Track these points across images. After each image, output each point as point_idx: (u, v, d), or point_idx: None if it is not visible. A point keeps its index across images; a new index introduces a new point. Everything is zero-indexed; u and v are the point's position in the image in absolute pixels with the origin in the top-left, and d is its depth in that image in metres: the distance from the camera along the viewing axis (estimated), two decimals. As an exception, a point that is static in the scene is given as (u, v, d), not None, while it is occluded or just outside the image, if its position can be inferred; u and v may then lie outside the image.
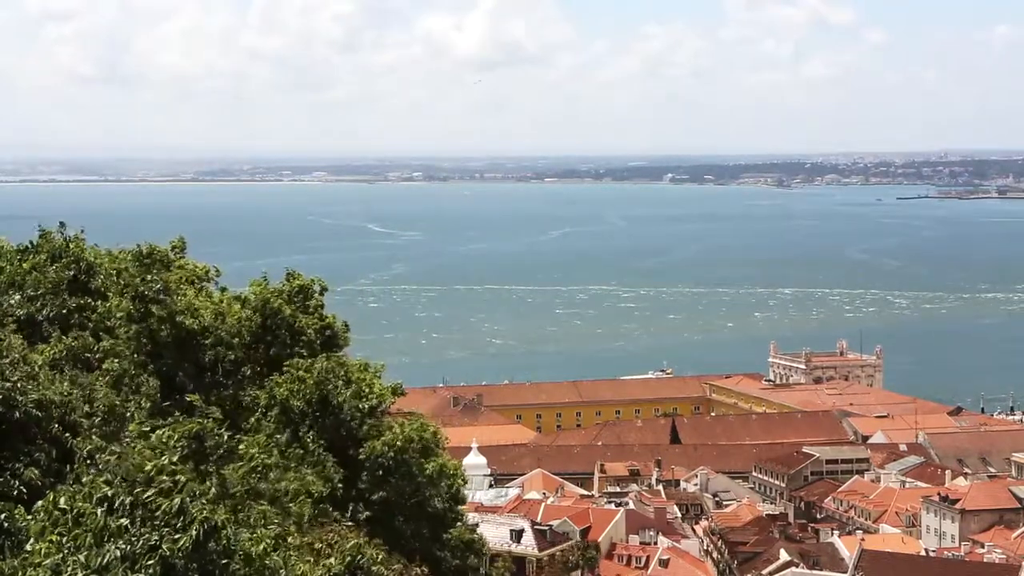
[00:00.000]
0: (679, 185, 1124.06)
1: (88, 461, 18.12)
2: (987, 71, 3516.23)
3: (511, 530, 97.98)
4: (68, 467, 18.47)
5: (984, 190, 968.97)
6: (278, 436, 26.45)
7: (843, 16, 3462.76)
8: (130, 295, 26.48)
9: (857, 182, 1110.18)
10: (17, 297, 26.55)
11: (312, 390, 28.19)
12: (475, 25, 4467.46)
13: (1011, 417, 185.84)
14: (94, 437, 19.08)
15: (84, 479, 15.75)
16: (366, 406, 29.23)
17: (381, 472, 28.86)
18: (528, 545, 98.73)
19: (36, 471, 17.82)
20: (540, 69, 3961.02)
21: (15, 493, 17.38)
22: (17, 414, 18.79)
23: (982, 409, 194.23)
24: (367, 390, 29.59)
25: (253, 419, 26.94)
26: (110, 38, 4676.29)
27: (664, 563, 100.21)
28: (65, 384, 20.99)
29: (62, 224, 29.37)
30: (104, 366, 24.67)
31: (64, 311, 26.73)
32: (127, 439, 19.62)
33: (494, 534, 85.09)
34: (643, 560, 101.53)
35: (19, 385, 19.17)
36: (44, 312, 26.43)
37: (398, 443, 28.98)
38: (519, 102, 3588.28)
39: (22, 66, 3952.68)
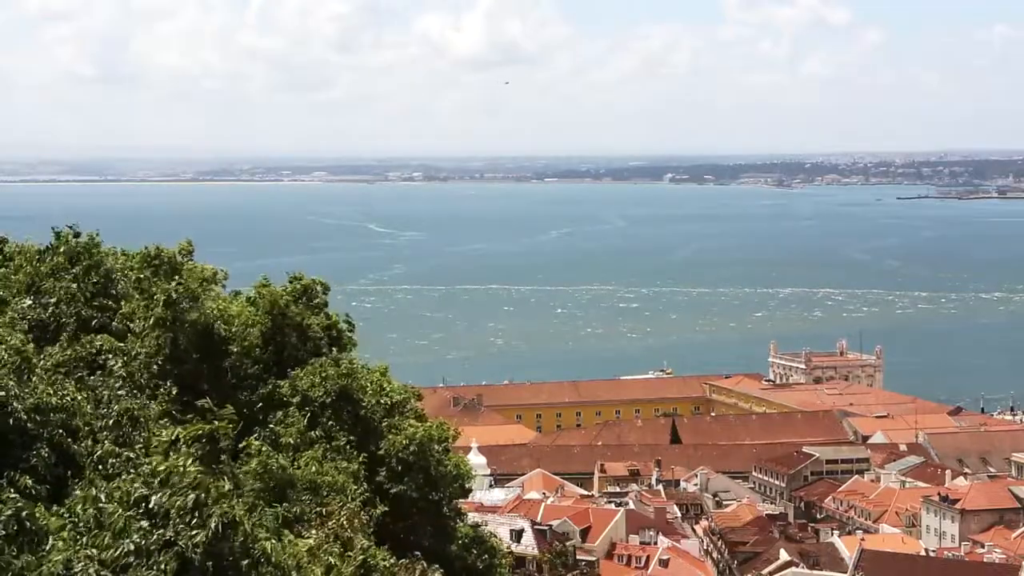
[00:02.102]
0: (679, 185, 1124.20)
1: (99, 466, 18.09)
2: (987, 71, 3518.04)
3: (511, 530, 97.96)
4: (69, 472, 18.44)
5: (984, 190, 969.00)
6: (311, 432, 26.66)
7: (841, 16, 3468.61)
8: (161, 300, 26.48)
9: (857, 182, 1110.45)
10: (29, 301, 26.47)
11: (334, 383, 28.51)
12: (473, 25, 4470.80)
13: (1011, 417, 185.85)
14: (106, 443, 19.04)
15: (103, 482, 15.79)
16: (387, 402, 29.61)
17: (400, 467, 29.11)
18: (528, 545, 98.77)
19: (31, 479, 17.64)
20: (539, 69, 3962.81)
21: (14, 498, 17.34)
22: (11, 420, 18.74)
23: (982, 409, 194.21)
24: (388, 387, 30.04)
25: (280, 412, 27.12)
26: (109, 38, 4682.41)
27: (664, 563, 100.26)
28: (70, 388, 20.96)
29: (73, 227, 29.20)
30: (115, 368, 24.57)
31: (81, 318, 26.64)
32: (141, 442, 19.60)
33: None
34: (643, 560, 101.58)
35: (15, 391, 19.12)
36: (59, 320, 26.36)
37: (419, 439, 29.26)
38: (518, 102, 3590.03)
39: (21, 66, 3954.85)
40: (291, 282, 32.46)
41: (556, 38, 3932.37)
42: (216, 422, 19.46)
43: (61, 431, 19.39)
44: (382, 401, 29.70)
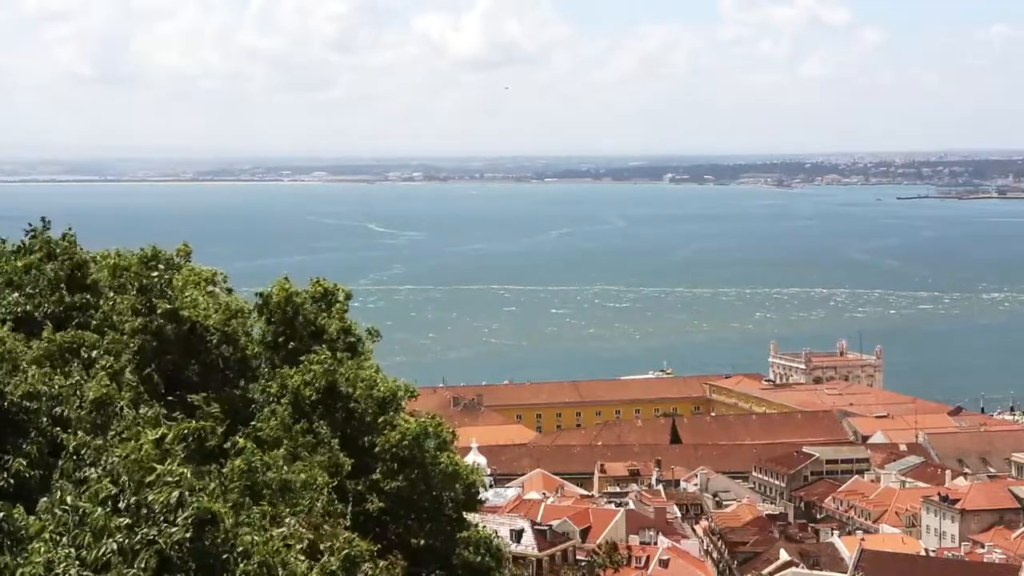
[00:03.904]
0: (679, 185, 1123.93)
1: (75, 457, 18.11)
2: (987, 71, 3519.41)
3: (511, 530, 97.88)
4: (58, 462, 18.47)
5: (984, 190, 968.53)
6: (293, 425, 26.61)
7: (839, 15, 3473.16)
8: (134, 290, 26.51)
9: (857, 182, 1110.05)
10: (15, 295, 26.58)
11: (322, 379, 28.44)
12: (472, 25, 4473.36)
13: (1011, 417, 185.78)
14: (79, 432, 19.05)
15: (90, 478, 15.75)
16: (378, 396, 29.53)
17: (396, 464, 29.02)
18: (528, 545, 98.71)
19: (23, 462, 17.73)
20: (538, 69, 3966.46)
21: (2, 485, 17.35)
22: (5, 403, 18.77)
23: (982, 409, 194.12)
24: (379, 383, 29.92)
25: (267, 409, 27.05)
26: (108, 38, 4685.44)
27: (664, 563, 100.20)
28: (57, 378, 20.99)
29: (45, 220, 29.24)
30: (98, 362, 24.58)
31: (62, 308, 26.75)
32: (115, 433, 19.57)
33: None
34: (643, 560, 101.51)
35: (3, 378, 19.16)
36: (41, 310, 26.47)
37: (413, 435, 29.16)
38: (518, 102, 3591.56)
39: (20, 66, 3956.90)
40: (313, 285, 32.47)
41: (555, 38, 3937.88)
42: (203, 419, 19.42)
43: (50, 420, 19.42)
44: (373, 397, 29.58)
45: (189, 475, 15.34)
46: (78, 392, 21.01)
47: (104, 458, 16.74)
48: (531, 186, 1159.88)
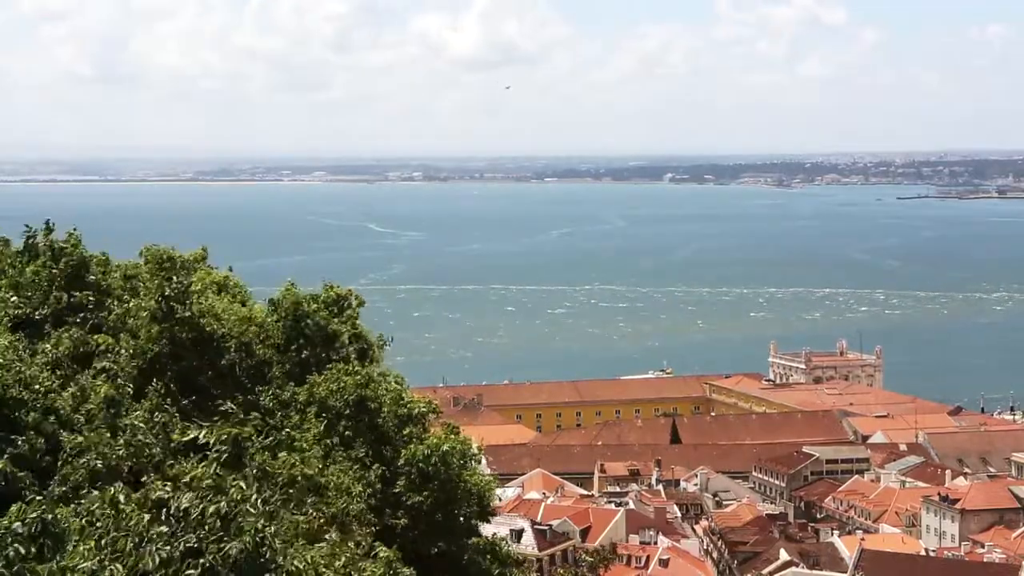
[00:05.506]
0: (679, 185, 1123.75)
1: (71, 459, 17.92)
2: (987, 71, 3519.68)
3: (511, 530, 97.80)
4: (58, 462, 18.26)
5: (984, 190, 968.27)
6: (327, 440, 26.59)
7: (837, 15, 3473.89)
8: (155, 296, 26.47)
9: (857, 182, 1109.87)
10: (15, 298, 26.49)
11: (352, 391, 28.46)
12: (471, 25, 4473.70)
13: (1011, 417, 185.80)
14: (78, 437, 18.88)
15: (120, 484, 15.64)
16: (405, 412, 29.49)
17: (420, 479, 28.95)
18: (528, 545, 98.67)
19: (8, 463, 17.40)
20: (538, 69, 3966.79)
21: None
22: None
23: (982, 409, 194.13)
24: (407, 398, 29.93)
25: (296, 417, 27.04)
26: (108, 38, 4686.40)
27: (664, 563, 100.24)
28: (49, 376, 20.83)
29: (49, 223, 29.07)
30: (95, 364, 24.50)
31: (61, 308, 26.66)
32: (128, 441, 19.44)
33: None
34: (643, 560, 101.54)
35: None
36: (40, 311, 26.39)
37: (442, 450, 29.06)
38: (518, 102, 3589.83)
39: (20, 66, 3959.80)
40: (325, 290, 32.38)
41: (555, 38, 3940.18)
42: (243, 425, 19.30)
43: (40, 415, 19.28)
44: (400, 412, 29.56)
45: (231, 483, 15.17)
46: (82, 391, 20.88)
47: (110, 455, 16.64)
48: (531, 186, 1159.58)
